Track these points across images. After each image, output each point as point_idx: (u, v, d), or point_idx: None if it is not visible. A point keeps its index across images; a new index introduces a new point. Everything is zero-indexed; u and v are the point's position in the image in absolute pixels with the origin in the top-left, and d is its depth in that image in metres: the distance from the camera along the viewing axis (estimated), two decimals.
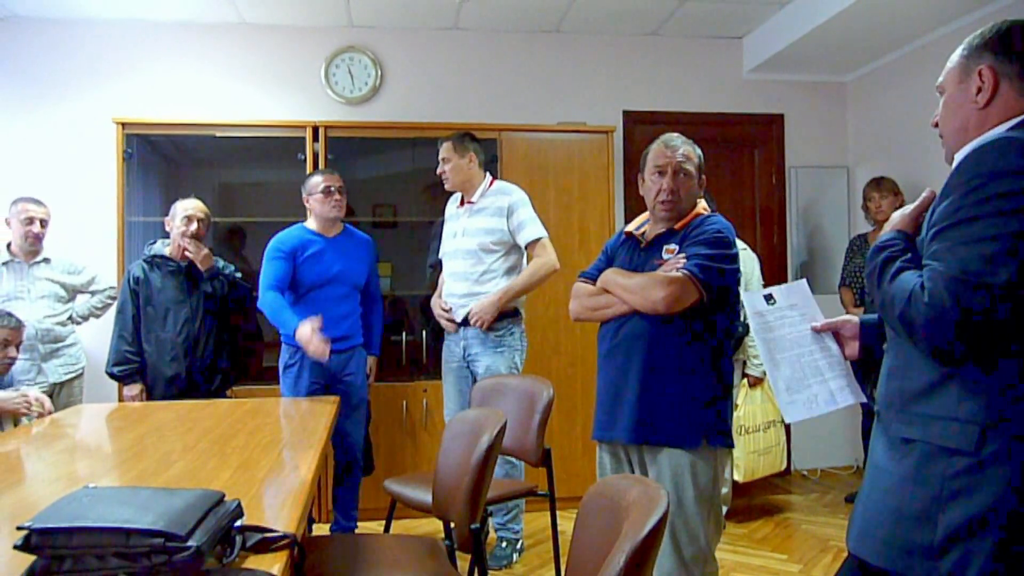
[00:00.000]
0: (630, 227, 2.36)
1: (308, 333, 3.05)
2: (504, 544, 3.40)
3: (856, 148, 4.98)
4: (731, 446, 2.20)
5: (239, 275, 3.58)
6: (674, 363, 2.10)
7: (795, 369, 1.72)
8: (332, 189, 3.38)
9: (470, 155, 3.39)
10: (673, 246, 2.17)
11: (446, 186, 3.44)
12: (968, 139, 1.37)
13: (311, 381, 3.30)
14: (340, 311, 3.37)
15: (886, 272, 1.36)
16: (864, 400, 1.72)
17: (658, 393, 2.10)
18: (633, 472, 2.17)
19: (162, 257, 3.41)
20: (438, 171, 3.41)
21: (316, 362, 3.20)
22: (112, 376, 3.39)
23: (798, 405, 1.71)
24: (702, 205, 2.28)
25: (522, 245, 3.35)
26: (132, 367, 3.33)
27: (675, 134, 2.28)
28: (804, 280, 1.78)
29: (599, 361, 2.28)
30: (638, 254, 2.25)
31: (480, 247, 3.31)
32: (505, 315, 3.29)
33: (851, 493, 4.30)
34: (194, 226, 3.39)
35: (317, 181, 3.40)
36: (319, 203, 3.39)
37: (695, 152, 2.25)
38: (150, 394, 3.36)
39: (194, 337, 3.37)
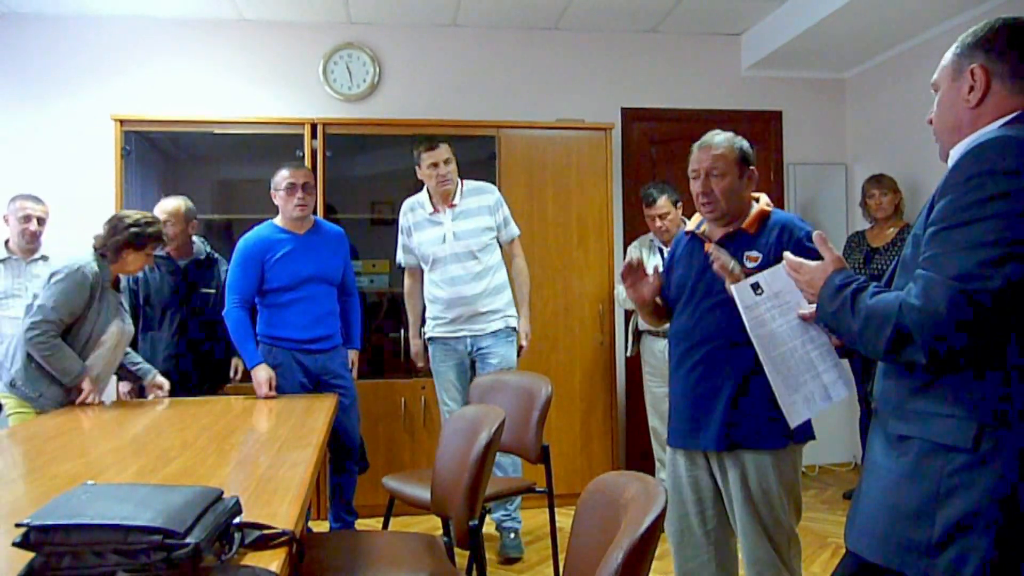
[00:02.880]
0: (690, 226, 2.34)
1: (264, 379, 3.06)
2: (512, 535, 3.43)
3: (855, 145, 4.98)
4: (813, 438, 2.19)
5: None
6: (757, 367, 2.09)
7: (790, 366, 1.71)
8: (296, 186, 3.17)
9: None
10: (755, 253, 2.13)
11: (445, 188, 3.35)
12: (961, 137, 1.37)
13: (295, 381, 3.19)
14: (317, 311, 3.25)
15: (859, 300, 1.36)
16: (854, 391, 1.71)
17: (747, 399, 2.10)
18: (712, 476, 2.19)
19: (160, 256, 3.39)
20: (440, 172, 3.30)
21: (299, 362, 3.18)
22: None
23: (799, 406, 1.72)
24: (765, 200, 2.22)
25: (505, 241, 3.49)
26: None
27: (715, 132, 2.22)
28: (782, 265, 1.70)
29: (674, 369, 2.26)
30: (701, 254, 2.18)
31: (479, 247, 3.36)
32: (510, 307, 3.46)
33: (849, 489, 4.30)
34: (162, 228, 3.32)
35: (283, 176, 3.20)
36: (282, 201, 3.20)
37: (733, 147, 2.18)
38: (144, 392, 3.34)
39: (191, 335, 3.36)
